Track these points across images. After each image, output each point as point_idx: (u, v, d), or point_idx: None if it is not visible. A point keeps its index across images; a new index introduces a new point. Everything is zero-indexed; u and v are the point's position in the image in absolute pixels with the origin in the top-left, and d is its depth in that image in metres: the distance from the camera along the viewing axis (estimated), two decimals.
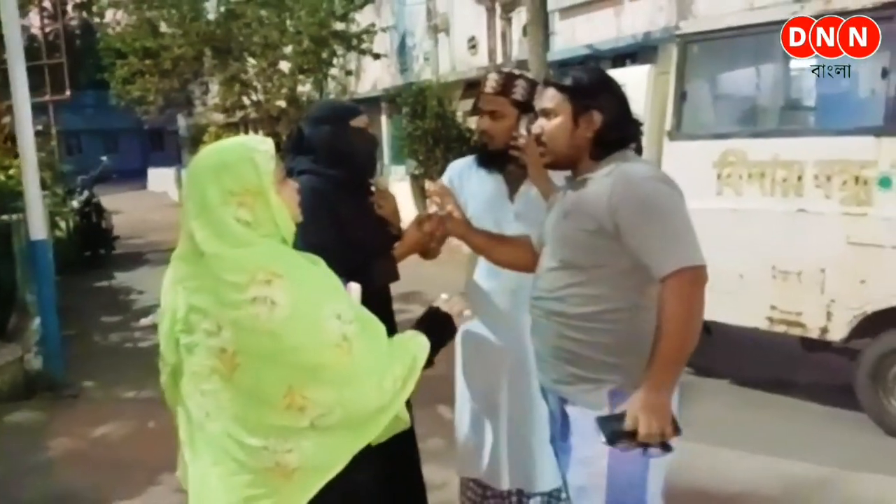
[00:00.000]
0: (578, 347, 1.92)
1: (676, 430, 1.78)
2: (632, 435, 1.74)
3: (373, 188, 2.39)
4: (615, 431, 1.76)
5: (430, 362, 1.71)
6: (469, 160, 2.61)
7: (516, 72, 2.55)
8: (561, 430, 2.07)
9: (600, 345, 1.89)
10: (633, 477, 1.90)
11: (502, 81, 2.44)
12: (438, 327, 1.79)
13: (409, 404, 1.77)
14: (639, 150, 2.03)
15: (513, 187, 2.49)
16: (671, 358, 1.76)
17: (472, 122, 2.67)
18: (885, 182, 3.95)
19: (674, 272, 1.75)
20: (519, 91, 2.42)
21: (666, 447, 1.77)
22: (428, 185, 2.35)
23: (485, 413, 2.54)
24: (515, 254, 2.26)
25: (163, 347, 1.62)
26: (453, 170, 2.65)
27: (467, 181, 2.56)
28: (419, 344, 1.71)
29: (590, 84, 1.96)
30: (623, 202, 1.82)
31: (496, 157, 2.48)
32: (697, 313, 1.78)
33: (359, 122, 2.34)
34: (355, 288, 1.77)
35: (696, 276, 1.77)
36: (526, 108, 2.39)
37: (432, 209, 2.46)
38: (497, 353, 2.48)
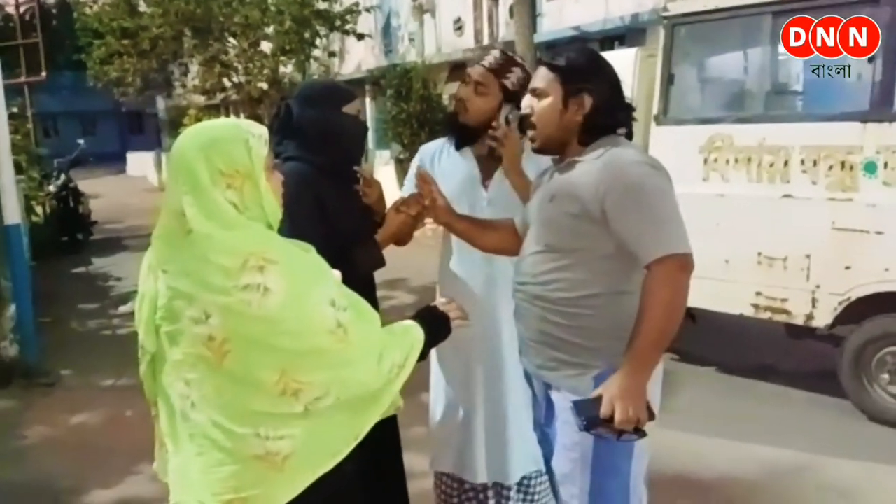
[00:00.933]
0: (562, 332, 1.89)
1: (651, 415, 1.76)
2: (607, 420, 1.73)
3: (358, 176, 2.32)
4: (591, 417, 1.74)
5: (422, 356, 1.68)
6: (441, 142, 2.56)
7: (518, 59, 2.46)
8: (545, 416, 2.05)
9: (584, 329, 1.87)
10: (618, 463, 1.89)
11: (501, 61, 2.38)
12: (435, 324, 1.76)
13: None
14: (629, 135, 1.98)
15: (486, 173, 2.43)
16: (650, 344, 1.74)
17: None
18: (870, 167, 3.95)
19: (660, 259, 1.72)
20: (512, 79, 2.36)
21: (640, 432, 1.76)
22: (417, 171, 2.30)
23: (459, 404, 2.50)
24: (500, 238, 2.22)
25: (142, 336, 1.55)
26: (425, 151, 2.59)
27: (438, 163, 2.50)
28: (415, 336, 1.68)
29: (582, 66, 1.91)
30: (611, 187, 1.78)
31: (465, 132, 2.42)
32: (681, 301, 1.75)
33: (351, 108, 2.26)
34: (336, 275, 1.72)
35: (682, 264, 1.74)
36: (511, 97, 2.33)
37: (400, 193, 2.40)
38: (471, 341, 2.39)
